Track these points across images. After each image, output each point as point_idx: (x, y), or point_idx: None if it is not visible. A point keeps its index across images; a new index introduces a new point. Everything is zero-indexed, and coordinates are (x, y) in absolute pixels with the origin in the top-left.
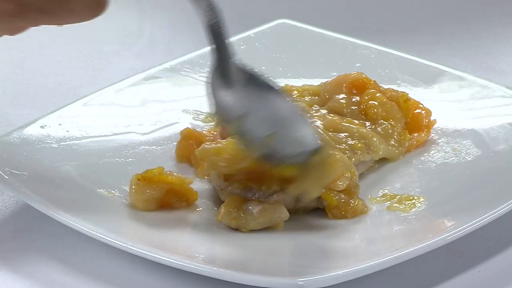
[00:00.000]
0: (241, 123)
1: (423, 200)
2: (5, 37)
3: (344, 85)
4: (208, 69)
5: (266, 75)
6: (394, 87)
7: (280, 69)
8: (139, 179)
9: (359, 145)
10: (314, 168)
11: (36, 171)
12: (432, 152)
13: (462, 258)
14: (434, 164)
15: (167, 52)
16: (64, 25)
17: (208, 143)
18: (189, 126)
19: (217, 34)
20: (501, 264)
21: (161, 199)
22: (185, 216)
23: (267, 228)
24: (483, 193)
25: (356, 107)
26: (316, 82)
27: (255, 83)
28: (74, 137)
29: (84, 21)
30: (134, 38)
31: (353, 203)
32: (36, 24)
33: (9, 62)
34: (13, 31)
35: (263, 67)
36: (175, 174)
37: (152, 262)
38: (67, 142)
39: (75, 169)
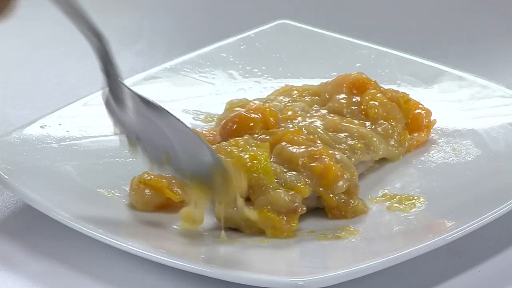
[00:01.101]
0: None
1: (423, 200)
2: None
3: (344, 85)
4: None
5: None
6: (394, 87)
7: (280, 69)
8: (140, 182)
9: (359, 145)
10: (218, 181)
11: (36, 171)
12: (432, 152)
13: (462, 258)
14: (434, 164)
15: (167, 52)
16: None
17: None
18: (189, 126)
19: (105, 58)
20: (501, 264)
21: (161, 202)
22: None
23: None
24: (483, 193)
25: (356, 107)
26: (316, 82)
27: (144, 105)
28: (74, 137)
29: None
30: (134, 38)
31: (353, 203)
32: None
33: (9, 62)
34: None
35: (263, 67)
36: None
37: (152, 262)
38: (67, 142)
39: (75, 169)
